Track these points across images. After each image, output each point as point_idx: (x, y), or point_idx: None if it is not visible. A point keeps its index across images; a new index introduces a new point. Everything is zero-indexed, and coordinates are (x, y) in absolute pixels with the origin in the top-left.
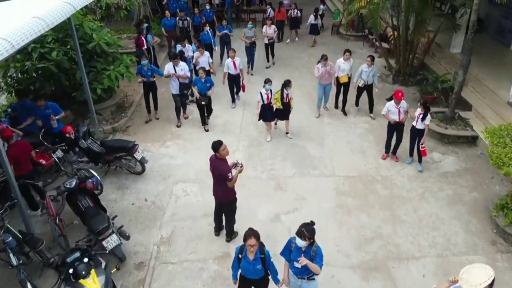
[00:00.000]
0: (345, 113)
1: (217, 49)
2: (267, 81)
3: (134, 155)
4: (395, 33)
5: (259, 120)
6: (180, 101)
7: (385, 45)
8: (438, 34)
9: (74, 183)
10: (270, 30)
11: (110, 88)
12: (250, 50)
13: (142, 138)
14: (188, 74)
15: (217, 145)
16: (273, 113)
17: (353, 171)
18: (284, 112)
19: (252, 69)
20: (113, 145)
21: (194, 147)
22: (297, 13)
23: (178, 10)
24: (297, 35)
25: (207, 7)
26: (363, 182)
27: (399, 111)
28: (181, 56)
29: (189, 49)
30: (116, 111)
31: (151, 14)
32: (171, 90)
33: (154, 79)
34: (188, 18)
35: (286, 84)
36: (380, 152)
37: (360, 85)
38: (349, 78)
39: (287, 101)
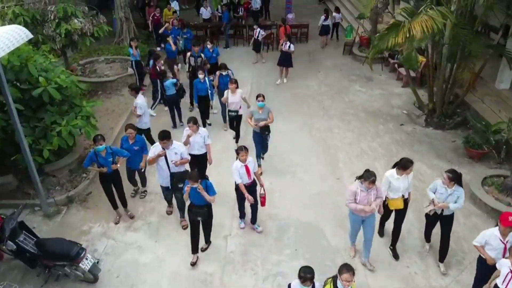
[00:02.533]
0: (396, 256)
1: (214, 107)
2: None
3: (80, 264)
4: (428, 60)
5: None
6: (172, 196)
7: (411, 73)
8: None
9: None
10: (235, 97)
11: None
12: (260, 139)
13: (105, 215)
14: (188, 157)
15: None
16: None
17: None
18: None
19: (261, 160)
20: (51, 249)
21: (169, 231)
22: (289, 46)
23: (191, 45)
24: (287, 76)
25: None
26: None
27: (505, 247)
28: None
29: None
30: (77, 170)
31: (135, 31)
32: (158, 180)
33: (118, 165)
34: (202, 55)
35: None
36: None
37: (429, 213)
38: (406, 202)
39: None
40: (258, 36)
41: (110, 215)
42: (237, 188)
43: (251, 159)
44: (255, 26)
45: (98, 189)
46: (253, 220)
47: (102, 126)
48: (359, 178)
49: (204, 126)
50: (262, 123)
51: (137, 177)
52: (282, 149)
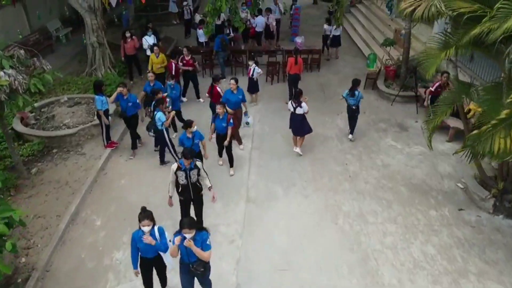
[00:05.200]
0: None
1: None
2: None
3: None
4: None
5: None
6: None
7: (457, 123)
8: None
9: None
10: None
11: None
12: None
13: None
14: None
15: None
16: None
17: None
18: None
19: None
20: None
21: None
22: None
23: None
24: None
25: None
26: None
27: None
28: None
29: None
30: None
31: (111, 59)
32: None
33: None
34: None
35: None
36: None
37: None
38: None
39: None
40: (253, 75)
41: None
42: None
43: None
44: (250, 62)
45: None
46: None
47: (46, 211)
48: None
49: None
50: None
51: None
52: (294, 258)
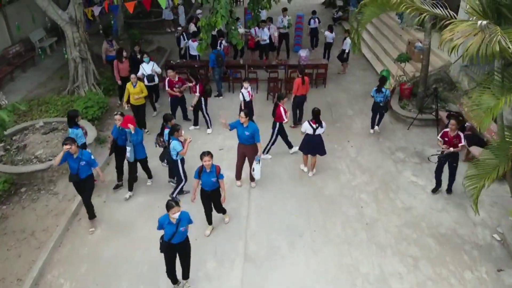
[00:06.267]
0: None
1: None
2: None
3: None
4: None
5: None
6: None
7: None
8: None
9: None
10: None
11: None
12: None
13: None
14: None
15: None
16: None
17: None
18: None
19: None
20: None
21: None
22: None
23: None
24: (314, 167)
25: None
26: None
27: None
28: None
29: None
30: None
31: (96, 75)
32: None
33: None
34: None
35: None
36: None
37: None
38: None
39: None
40: (244, 98)
41: None
42: None
43: None
44: (244, 84)
45: None
46: None
47: (5, 272)
48: None
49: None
50: None
51: None
52: None
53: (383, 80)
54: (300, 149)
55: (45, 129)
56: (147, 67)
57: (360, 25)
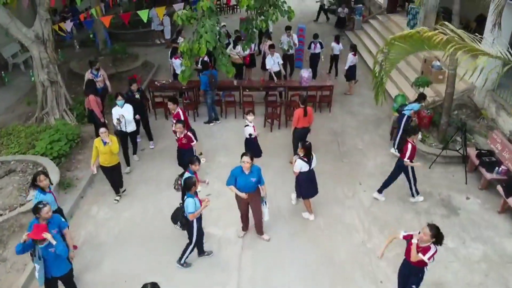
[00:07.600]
0: None
1: None
2: None
3: None
4: None
5: None
6: None
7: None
8: None
9: None
10: None
11: None
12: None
13: None
14: None
15: None
16: None
17: None
18: None
19: None
20: None
21: None
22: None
23: None
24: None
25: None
26: None
27: None
28: None
29: None
30: None
31: (68, 99)
32: None
33: None
34: None
35: None
36: None
37: None
38: None
39: None
40: (250, 134)
41: None
42: None
43: None
44: (248, 117)
45: None
46: None
47: None
48: None
49: None
50: None
51: None
52: None
53: (422, 96)
54: (301, 195)
55: (2, 168)
56: (123, 111)
57: (384, 73)
